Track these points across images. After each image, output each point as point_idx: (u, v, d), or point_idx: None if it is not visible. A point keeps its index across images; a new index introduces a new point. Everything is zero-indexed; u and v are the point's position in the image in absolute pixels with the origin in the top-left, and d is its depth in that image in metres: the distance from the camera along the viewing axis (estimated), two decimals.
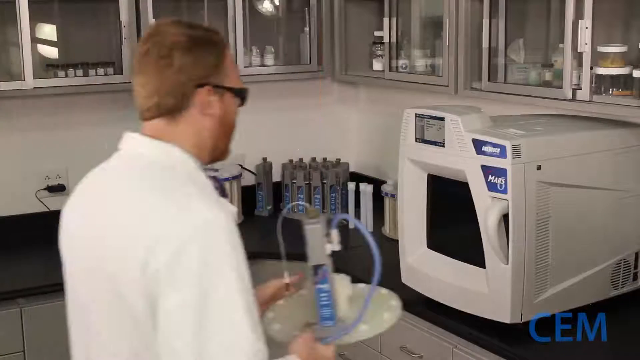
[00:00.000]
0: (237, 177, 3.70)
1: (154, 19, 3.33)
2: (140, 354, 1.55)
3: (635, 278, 2.62)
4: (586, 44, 2.51)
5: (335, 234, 1.72)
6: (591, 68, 2.53)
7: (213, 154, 1.70)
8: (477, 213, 2.39)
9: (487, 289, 2.43)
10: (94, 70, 3.35)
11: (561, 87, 2.62)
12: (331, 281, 1.72)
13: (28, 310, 2.97)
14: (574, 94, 2.59)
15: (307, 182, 3.80)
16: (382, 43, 3.50)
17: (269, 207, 3.88)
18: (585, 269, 2.48)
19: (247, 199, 3.81)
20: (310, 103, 4.04)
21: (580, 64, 2.56)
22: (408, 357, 2.70)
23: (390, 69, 3.46)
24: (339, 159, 3.95)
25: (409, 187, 2.68)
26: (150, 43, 1.62)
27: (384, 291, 1.87)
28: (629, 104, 2.47)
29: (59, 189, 3.54)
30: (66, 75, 3.31)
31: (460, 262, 2.56)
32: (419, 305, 2.64)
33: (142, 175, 1.60)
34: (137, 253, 1.49)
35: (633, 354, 2.32)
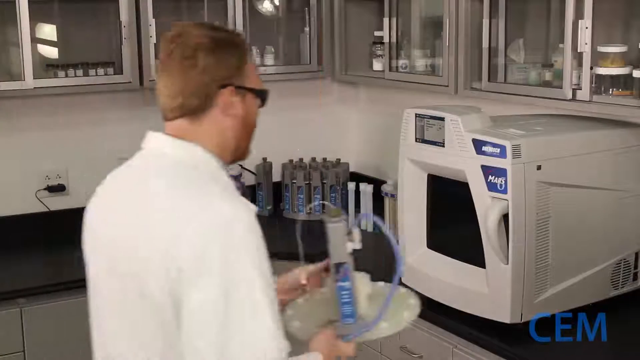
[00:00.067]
0: (237, 177, 3.70)
1: (154, 19, 3.34)
2: (165, 354, 1.56)
3: (635, 278, 2.62)
4: (586, 44, 2.51)
5: (356, 232, 1.76)
6: (591, 68, 2.53)
7: (235, 153, 1.72)
8: (477, 213, 2.39)
9: (487, 289, 2.43)
10: (94, 70, 3.35)
11: (561, 87, 2.62)
12: (352, 279, 1.75)
13: (28, 310, 2.97)
14: (574, 94, 2.59)
15: (307, 182, 3.80)
16: (382, 43, 3.50)
17: (269, 207, 3.88)
18: (585, 269, 2.48)
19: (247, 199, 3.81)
20: (310, 103, 4.04)
21: (580, 64, 2.56)
22: (408, 357, 2.70)
23: (390, 69, 3.46)
24: (339, 159, 3.95)
25: (409, 187, 2.68)
26: (175, 44, 1.64)
27: (402, 290, 1.89)
28: (629, 104, 2.47)
29: (59, 189, 3.54)
30: (66, 75, 3.31)
31: (460, 262, 2.56)
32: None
33: (166, 175, 1.62)
34: (160, 253, 1.51)
35: (633, 354, 2.32)
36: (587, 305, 2.48)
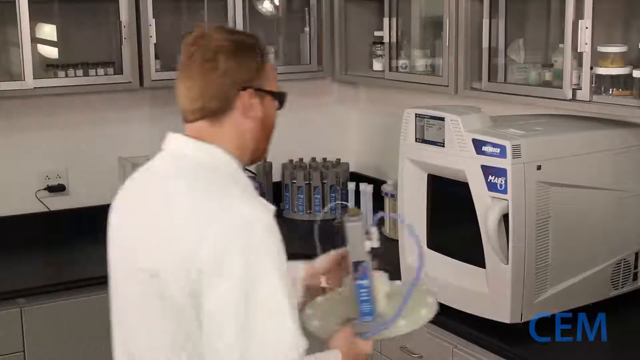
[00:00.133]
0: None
1: (154, 19, 3.34)
2: (185, 354, 1.56)
3: (635, 278, 2.62)
4: (586, 44, 2.51)
5: (374, 231, 1.78)
6: (591, 68, 2.53)
7: (254, 155, 1.75)
8: (477, 213, 2.39)
9: (487, 289, 2.43)
10: (94, 70, 3.35)
11: (561, 87, 2.62)
12: (370, 277, 1.76)
13: (28, 310, 2.97)
14: (574, 94, 2.59)
15: (307, 182, 3.80)
16: (382, 43, 3.50)
17: None
18: (585, 269, 2.48)
19: None
20: (310, 103, 4.04)
21: (580, 64, 2.56)
22: (408, 357, 2.70)
23: (390, 69, 3.46)
24: (339, 159, 3.95)
25: (409, 187, 2.68)
26: (195, 47, 1.66)
27: (422, 287, 1.90)
28: (629, 104, 2.47)
29: (59, 189, 3.53)
30: (66, 75, 3.31)
31: (460, 262, 2.56)
32: None
33: (187, 176, 1.63)
34: (181, 254, 1.52)
35: (633, 354, 2.32)
36: (587, 305, 2.48)
